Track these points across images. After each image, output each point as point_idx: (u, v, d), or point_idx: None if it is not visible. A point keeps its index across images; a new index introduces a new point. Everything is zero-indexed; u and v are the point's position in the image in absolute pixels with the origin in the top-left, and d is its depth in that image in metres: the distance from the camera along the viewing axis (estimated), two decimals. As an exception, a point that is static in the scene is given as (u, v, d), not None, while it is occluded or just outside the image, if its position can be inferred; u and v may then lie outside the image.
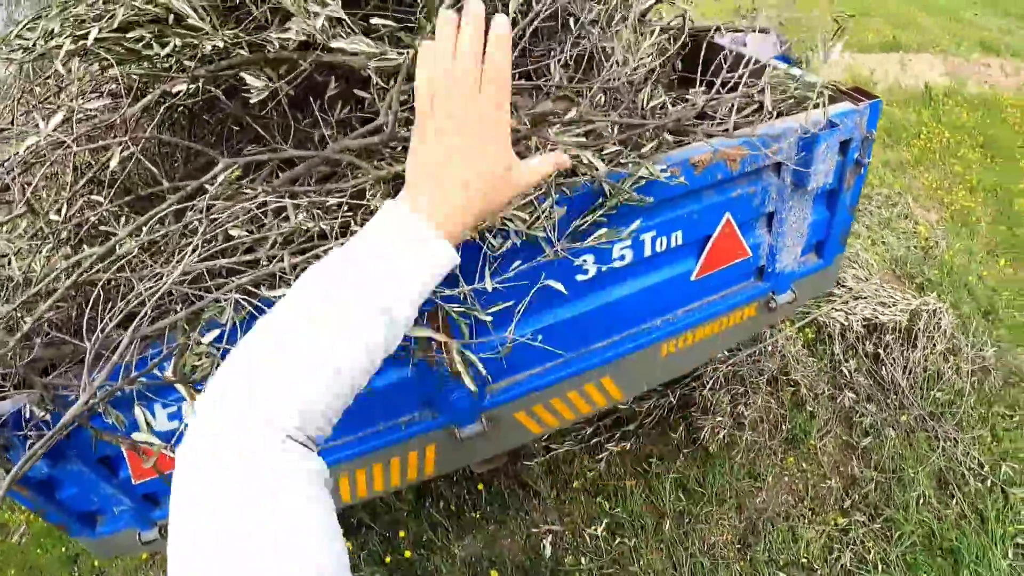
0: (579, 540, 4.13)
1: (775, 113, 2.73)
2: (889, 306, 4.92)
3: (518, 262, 2.16)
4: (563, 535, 4.19)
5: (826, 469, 4.55)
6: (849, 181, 2.94)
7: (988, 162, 7.99)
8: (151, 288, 1.54)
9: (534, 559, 4.09)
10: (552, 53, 2.46)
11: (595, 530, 4.12)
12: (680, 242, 2.58)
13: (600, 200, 2.21)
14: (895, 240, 6.14)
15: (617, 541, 4.10)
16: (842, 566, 4.10)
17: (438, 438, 2.61)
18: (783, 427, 4.66)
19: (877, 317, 4.87)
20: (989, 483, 4.55)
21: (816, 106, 2.59)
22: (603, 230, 2.27)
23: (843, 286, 5.07)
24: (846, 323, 4.89)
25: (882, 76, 9.59)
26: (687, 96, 2.54)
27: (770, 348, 4.74)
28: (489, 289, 2.10)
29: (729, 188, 2.59)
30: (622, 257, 2.48)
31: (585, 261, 2.41)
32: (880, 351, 4.84)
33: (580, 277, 2.45)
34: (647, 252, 2.53)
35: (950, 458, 4.61)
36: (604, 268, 2.46)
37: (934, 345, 4.91)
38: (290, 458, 0.82)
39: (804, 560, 4.11)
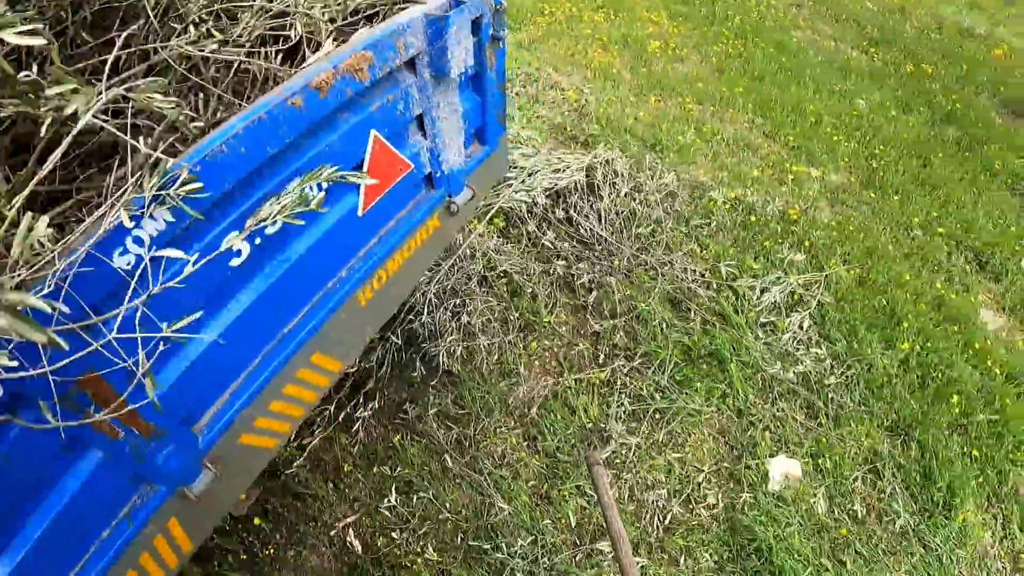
0: (380, 518, 4.00)
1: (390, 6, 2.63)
2: (563, 170, 5.21)
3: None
4: (362, 521, 4.03)
5: (569, 337, 4.82)
6: (491, 60, 2.93)
7: (613, 19, 8.76)
8: None
9: (349, 560, 3.89)
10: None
11: (388, 501, 4.00)
12: (333, 180, 2.30)
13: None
14: (548, 111, 6.52)
15: (415, 499, 4.05)
16: (624, 410, 4.42)
17: (174, 509, 2.18)
18: (511, 318, 4.82)
19: (556, 184, 5.14)
20: (715, 286, 5.13)
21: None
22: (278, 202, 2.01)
23: (514, 167, 5.26)
24: (530, 200, 5.09)
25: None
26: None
27: (469, 252, 4.83)
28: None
29: (365, 102, 2.38)
30: (274, 221, 2.08)
31: (231, 243, 1.98)
32: (572, 213, 5.15)
33: (235, 262, 2.06)
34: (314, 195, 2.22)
35: (672, 280, 5.10)
36: (258, 241, 2.11)
37: (618, 190, 5.32)
38: None
39: (589, 424, 4.37)
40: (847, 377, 4.73)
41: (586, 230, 5.15)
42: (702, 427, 4.41)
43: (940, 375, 4.93)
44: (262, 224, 2.03)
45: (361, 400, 4.36)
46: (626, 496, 4.06)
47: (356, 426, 4.28)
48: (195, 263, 1.86)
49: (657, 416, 4.42)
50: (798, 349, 4.79)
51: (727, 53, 8.34)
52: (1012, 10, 10.44)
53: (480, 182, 3.23)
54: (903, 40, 9.43)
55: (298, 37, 2.38)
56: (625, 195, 5.35)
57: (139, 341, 1.71)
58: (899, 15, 9.96)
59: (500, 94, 3.09)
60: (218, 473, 2.24)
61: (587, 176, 5.28)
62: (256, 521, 3.91)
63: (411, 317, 4.54)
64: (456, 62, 2.53)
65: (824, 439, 4.38)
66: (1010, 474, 4.51)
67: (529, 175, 5.25)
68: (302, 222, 2.10)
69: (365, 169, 2.50)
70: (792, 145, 6.88)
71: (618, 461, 4.18)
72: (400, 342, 4.51)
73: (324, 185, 2.27)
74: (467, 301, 4.67)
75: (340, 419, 4.29)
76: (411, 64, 2.52)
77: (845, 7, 9.92)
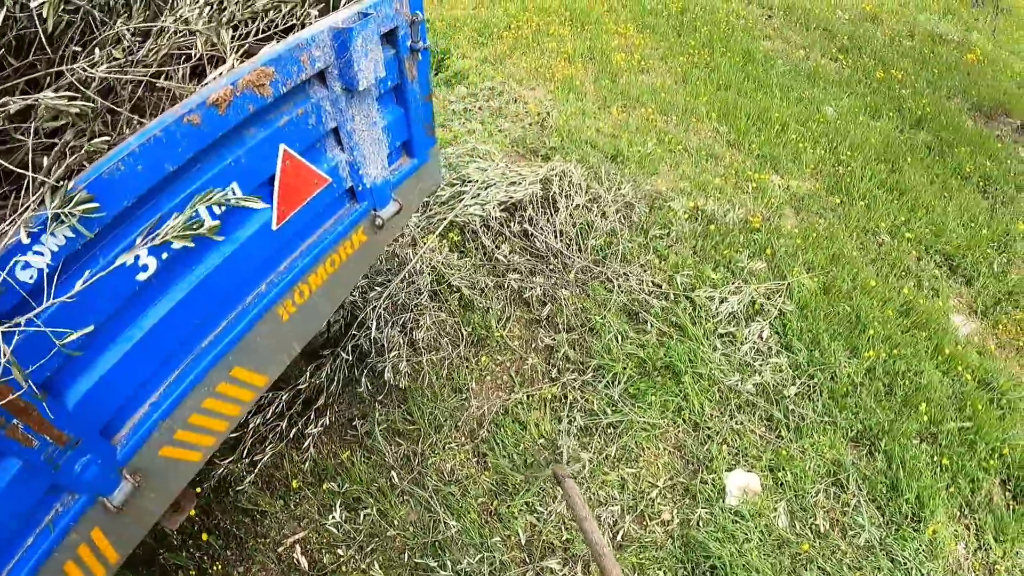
0: (327, 534, 3.97)
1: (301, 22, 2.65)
2: (519, 183, 5.20)
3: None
4: (309, 538, 4.00)
5: (520, 352, 4.78)
6: (412, 72, 2.94)
7: (579, 32, 8.80)
8: None
9: (296, 576, 3.89)
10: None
11: (334, 517, 3.97)
12: (241, 195, 2.31)
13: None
14: (510, 124, 6.54)
15: (362, 516, 4.00)
16: (576, 425, 4.38)
17: (97, 519, 2.24)
18: (463, 332, 4.79)
19: (512, 197, 5.13)
20: (672, 297, 5.10)
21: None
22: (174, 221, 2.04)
23: (470, 181, 5.25)
24: (484, 214, 5.07)
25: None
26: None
27: (419, 266, 4.81)
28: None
29: (272, 117, 2.39)
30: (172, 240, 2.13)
31: (137, 257, 2.03)
32: (527, 226, 5.14)
33: (142, 276, 2.08)
34: (208, 221, 2.21)
35: (628, 292, 5.08)
36: (165, 256, 2.12)
37: (574, 202, 5.31)
38: None
39: (542, 442, 4.32)
40: (809, 387, 4.70)
41: (541, 243, 5.13)
42: (657, 441, 4.37)
43: (908, 383, 4.90)
44: (150, 245, 2.05)
45: (312, 416, 4.34)
46: (578, 512, 4.02)
47: (307, 442, 4.26)
48: (89, 280, 1.91)
49: (610, 431, 4.38)
50: (756, 360, 4.76)
51: (693, 64, 8.35)
52: (981, 13, 10.53)
53: (409, 195, 3.22)
54: (874, 47, 9.49)
55: (199, 55, 2.38)
56: (581, 207, 5.34)
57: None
58: (871, 23, 10.03)
59: (425, 106, 3.09)
60: (138, 484, 2.29)
61: (543, 188, 5.27)
62: (204, 537, 3.91)
63: (356, 333, 4.50)
64: (364, 75, 2.52)
65: (784, 451, 4.34)
66: (983, 482, 4.48)
67: (485, 188, 5.24)
68: (191, 244, 2.11)
69: (276, 183, 2.52)
70: (757, 153, 6.89)
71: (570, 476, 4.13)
72: (351, 358, 4.48)
73: (220, 206, 2.26)
74: (418, 316, 4.65)
75: (291, 435, 4.27)
76: (322, 78, 2.54)
77: (816, 16, 9.99)
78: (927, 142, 7.78)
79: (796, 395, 4.62)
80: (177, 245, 2.14)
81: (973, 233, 6.47)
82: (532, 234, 5.13)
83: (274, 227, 2.56)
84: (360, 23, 2.42)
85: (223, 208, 2.26)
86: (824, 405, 4.63)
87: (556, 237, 5.15)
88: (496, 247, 5.08)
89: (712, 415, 4.50)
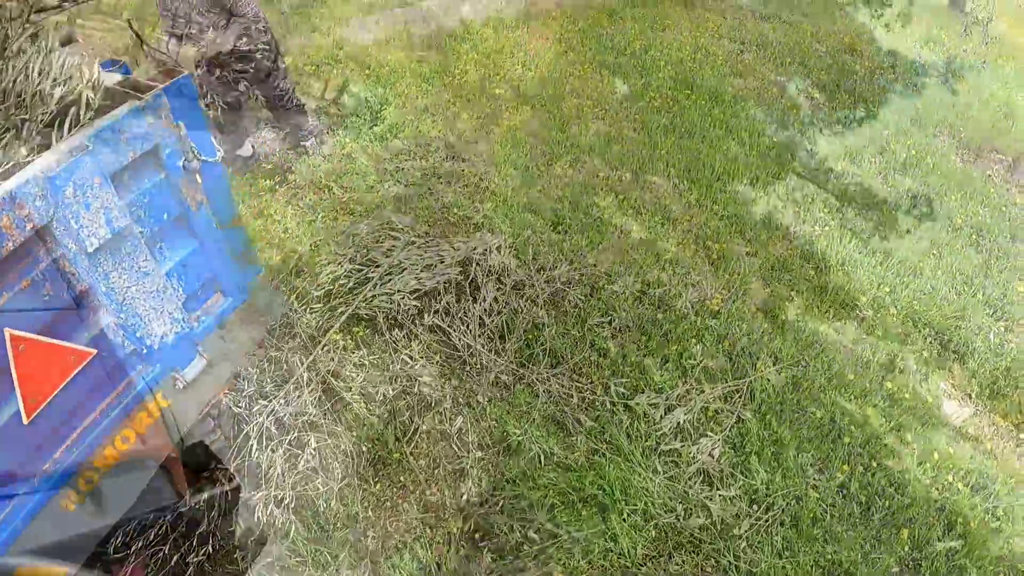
0: None
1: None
2: (435, 266, 4.46)
3: None
4: None
5: (424, 475, 4.06)
6: (194, 197, 2.23)
7: (532, 75, 7.90)
8: None
9: None
10: None
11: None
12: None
13: None
14: (443, 186, 5.77)
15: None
16: (486, 568, 3.72)
17: None
18: (363, 449, 4.07)
19: (425, 284, 4.38)
20: (609, 406, 4.36)
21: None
22: None
23: (376, 265, 4.51)
24: (392, 304, 4.32)
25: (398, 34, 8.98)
26: None
27: (306, 376, 4.04)
28: None
29: None
30: None
31: None
32: (440, 321, 4.39)
33: None
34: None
35: (556, 400, 4.34)
36: None
37: (498, 287, 4.58)
38: None
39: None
40: (767, 519, 3.94)
41: (458, 339, 4.37)
42: (578, 592, 3.64)
43: (888, 501, 4.17)
44: None
45: (195, 542, 3.66)
46: None
47: (189, 571, 3.62)
48: None
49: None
50: (704, 491, 3.99)
51: (655, 108, 7.55)
52: (968, 41, 9.85)
53: (225, 343, 2.50)
54: (853, 81, 8.75)
55: None
56: (507, 292, 4.59)
57: None
58: (849, 55, 9.31)
59: (230, 233, 2.36)
60: None
61: (462, 272, 4.53)
62: None
63: (228, 461, 3.81)
64: (93, 231, 1.83)
65: (733, 605, 3.60)
66: (972, 617, 3.77)
67: (398, 273, 4.51)
68: None
69: (14, 375, 1.85)
70: (721, 214, 6.09)
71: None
72: (231, 484, 3.81)
73: None
74: (306, 434, 3.92)
75: (174, 562, 3.59)
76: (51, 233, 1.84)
77: (792, 50, 9.22)
78: (912, 191, 7.01)
79: (750, 531, 3.87)
80: None
81: (966, 299, 5.74)
82: (447, 329, 4.38)
83: (25, 421, 1.98)
84: (66, 166, 1.69)
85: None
86: (784, 539, 3.89)
87: (475, 331, 4.39)
88: (404, 346, 4.31)
89: (647, 557, 3.75)
